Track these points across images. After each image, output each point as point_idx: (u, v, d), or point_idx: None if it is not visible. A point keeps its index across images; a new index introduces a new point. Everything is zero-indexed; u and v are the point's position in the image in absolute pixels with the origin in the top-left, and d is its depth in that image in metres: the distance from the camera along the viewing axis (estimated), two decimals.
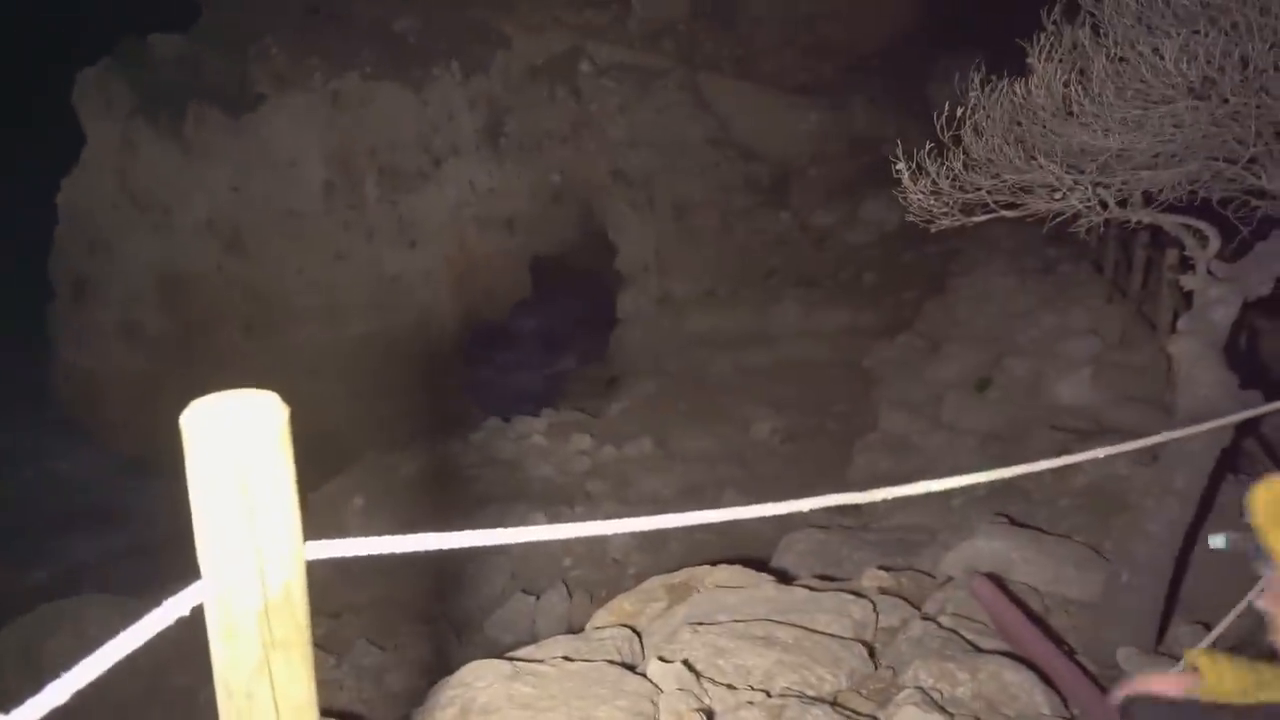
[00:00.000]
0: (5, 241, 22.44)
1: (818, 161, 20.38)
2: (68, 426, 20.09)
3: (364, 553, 1.48)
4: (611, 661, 4.32)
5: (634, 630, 4.69)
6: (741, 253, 18.84)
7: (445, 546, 1.52)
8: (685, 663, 3.88)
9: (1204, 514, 3.76)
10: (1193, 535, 3.77)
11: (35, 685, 1.11)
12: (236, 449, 1.20)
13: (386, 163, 19.79)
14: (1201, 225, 3.94)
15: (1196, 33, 4.00)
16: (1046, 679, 3.55)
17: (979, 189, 4.76)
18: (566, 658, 4.29)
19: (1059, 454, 7.71)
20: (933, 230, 4.99)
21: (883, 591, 4.98)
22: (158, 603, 1.26)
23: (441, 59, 19.98)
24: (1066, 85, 4.49)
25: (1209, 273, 3.88)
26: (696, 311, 16.68)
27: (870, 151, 17.88)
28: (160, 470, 15.89)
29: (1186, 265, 4.85)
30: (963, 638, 4.21)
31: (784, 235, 19.06)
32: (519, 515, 10.33)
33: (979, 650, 4.09)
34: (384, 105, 19.62)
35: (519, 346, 21.04)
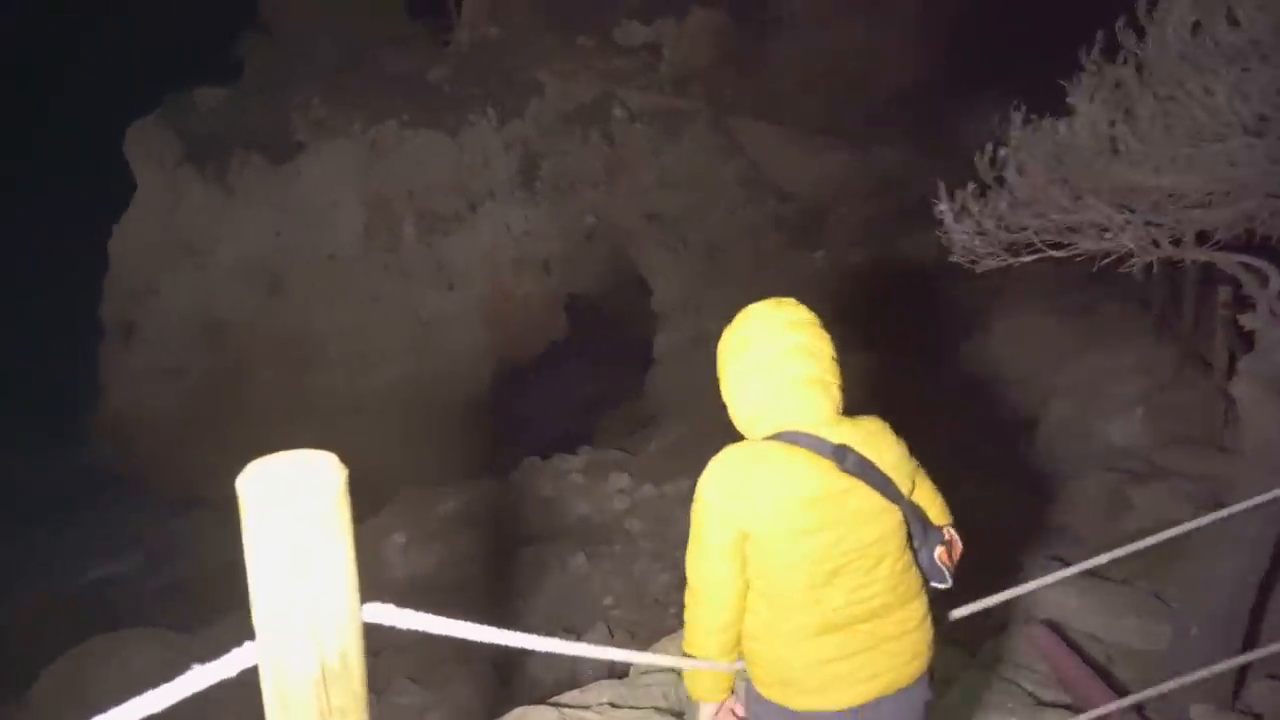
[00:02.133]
0: (64, 289, 23.06)
1: (848, 200, 20.40)
2: (113, 465, 20.44)
3: (421, 627, 1.47)
4: (659, 709, 4.22)
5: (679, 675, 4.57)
6: (774, 291, 18.77)
7: (500, 642, 1.53)
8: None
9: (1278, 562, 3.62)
10: (1266, 584, 3.63)
11: None
12: (294, 513, 1.17)
13: (424, 207, 20.16)
14: (1261, 264, 3.86)
15: (1248, 70, 3.95)
16: None
17: (1024, 229, 4.71)
18: (613, 704, 4.20)
19: (1111, 496, 7.50)
20: (977, 270, 4.94)
21: None
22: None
23: (477, 106, 20.39)
24: (1112, 125, 4.45)
25: (1270, 313, 3.78)
26: None
27: (901, 190, 17.87)
28: (202, 507, 16.11)
29: (1242, 303, 4.74)
30: (1022, 688, 4.08)
31: (816, 274, 19.03)
32: (559, 554, 10.26)
33: (1040, 703, 3.96)
34: (420, 151, 20.04)
35: (555, 385, 21.12)
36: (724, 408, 2.56)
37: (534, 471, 13.37)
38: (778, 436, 2.37)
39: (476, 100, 20.47)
